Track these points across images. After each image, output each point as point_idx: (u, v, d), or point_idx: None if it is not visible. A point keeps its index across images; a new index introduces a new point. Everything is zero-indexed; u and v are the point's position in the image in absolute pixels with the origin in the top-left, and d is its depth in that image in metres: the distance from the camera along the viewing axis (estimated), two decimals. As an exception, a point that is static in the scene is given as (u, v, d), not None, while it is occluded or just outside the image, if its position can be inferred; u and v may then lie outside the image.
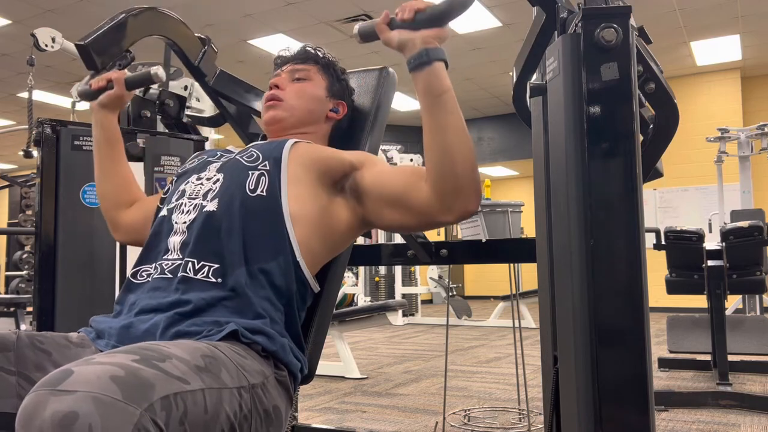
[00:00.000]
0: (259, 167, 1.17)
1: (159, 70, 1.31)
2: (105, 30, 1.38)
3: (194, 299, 1.02)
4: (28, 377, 0.94)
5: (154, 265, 1.10)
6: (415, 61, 1.04)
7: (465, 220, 1.09)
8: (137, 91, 2.16)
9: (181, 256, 1.08)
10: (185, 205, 1.15)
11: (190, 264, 1.06)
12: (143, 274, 1.11)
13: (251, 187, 1.13)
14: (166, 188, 1.28)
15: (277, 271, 1.09)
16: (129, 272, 1.14)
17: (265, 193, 1.13)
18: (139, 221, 1.36)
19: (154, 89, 2.21)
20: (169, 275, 1.07)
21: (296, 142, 1.23)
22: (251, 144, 1.28)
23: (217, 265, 1.06)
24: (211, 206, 1.12)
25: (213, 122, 2.00)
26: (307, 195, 1.15)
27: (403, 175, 1.13)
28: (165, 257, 1.10)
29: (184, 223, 1.12)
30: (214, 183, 1.16)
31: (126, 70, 1.39)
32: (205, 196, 1.14)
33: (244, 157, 1.20)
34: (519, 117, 1.40)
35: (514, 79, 1.34)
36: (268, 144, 1.24)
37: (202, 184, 1.18)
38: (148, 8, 1.47)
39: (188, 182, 1.20)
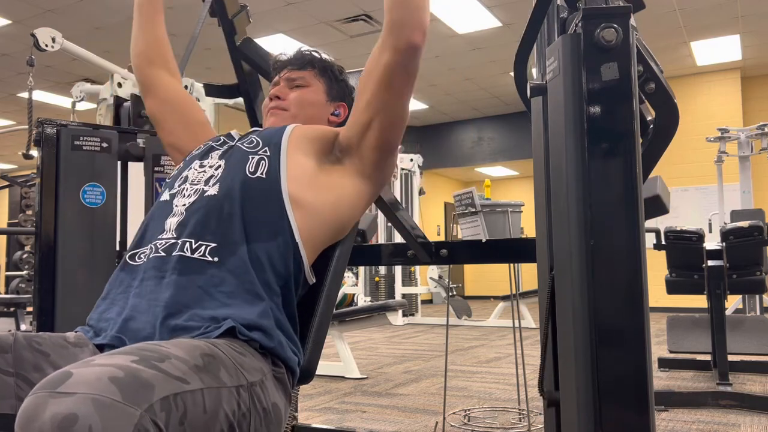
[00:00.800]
0: (259, 152, 1.20)
1: None
2: None
3: (190, 286, 1.02)
4: (26, 378, 0.94)
5: (150, 246, 1.11)
6: None
7: (411, 56, 1.13)
8: (137, 91, 2.16)
9: (175, 236, 1.09)
10: (187, 190, 1.17)
11: (187, 244, 1.07)
12: (141, 255, 1.11)
13: (251, 170, 1.16)
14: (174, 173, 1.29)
15: (275, 252, 1.09)
16: (127, 254, 1.14)
17: (264, 175, 1.15)
18: (175, 97, 1.42)
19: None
20: (163, 253, 1.07)
21: (295, 126, 1.26)
22: (252, 130, 1.31)
23: (214, 245, 1.06)
24: (212, 190, 1.14)
25: (228, 92, 1.99)
26: (306, 176, 1.18)
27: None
28: (159, 237, 1.11)
29: (184, 205, 1.13)
30: (216, 169, 1.19)
31: None
32: (207, 182, 1.16)
33: (244, 144, 1.23)
34: (518, 93, 1.39)
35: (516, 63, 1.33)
36: (268, 130, 1.27)
37: (204, 171, 1.20)
38: None
39: (191, 168, 1.22)
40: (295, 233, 1.12)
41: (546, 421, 1.14)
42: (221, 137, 1.31)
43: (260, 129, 1.32)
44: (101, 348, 1.01)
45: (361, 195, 1.24)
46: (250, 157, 1.18)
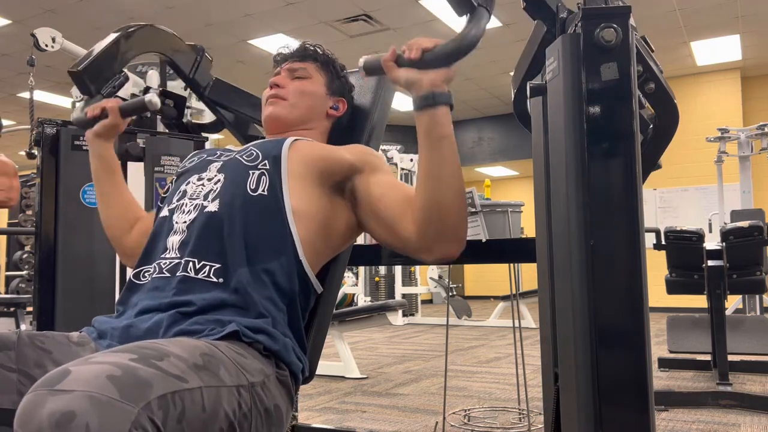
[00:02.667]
0: (259, 166, 1.17)
1: (153, 98, 1.31)
2: (97, 55, 1.38)
3: (195, 300, 1.02)
4: (28, 374, 0.95)
5: (153, 265, 1.10)
6: (421, 102, 1.03)
7: (444, 261, 1.11)
8: (138, 92, 2.17)
9: (179, 255, 1.08)
10: (186, 206, 1.15)
11: (190, 264, 1.06)
12: (145, 274, 1.11)
13: (252, 187, 1.14)
14: (166, 188, 1.28)
15: (279, 270, 1.09)
16: (131, 273, 1.14)
17: (266, 192, 1.13)
18: (143, 241, 1.36)
19: (154, 89, 2.21)
20: (167, 274, 1.07)
21: (295, 140, 1.24)
22: (251, 143, 1.29)
23: (218, 265, 1.06)
24: (213, 207, 1.12)
25: (213, 128, 2.01)
26: (307, 192, 1.16)
27: (396, 199, 1.14)
28: (163, 256, 1.10)
29: (184, 222, 1.12)
30: (215, 183, 1.16)
31: (120, 97, 1.39)
32: (206, 196, 1.14)
33: (243, 157, 1.20)
34: (520, 123, 1.40)
35: (514, 90, 1.34)
36: (268, 142, 1.25)
37: (203, 184, 1.18)
38: (141, 26, 1.47)
39: (189, 182, 1.20)
40: (298, 250, 1.11)
41: (546, 421, 1.14)
42: (217, 151, 1.29)
43: (259, 141, 1.30)
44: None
45: (356, 222, 1.22)
46: (250, 172, 1.16)
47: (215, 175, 1.19)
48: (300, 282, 1.12)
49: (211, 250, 1.07)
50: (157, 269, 1.08)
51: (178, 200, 1.18)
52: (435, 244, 1.07)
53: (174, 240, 1.11)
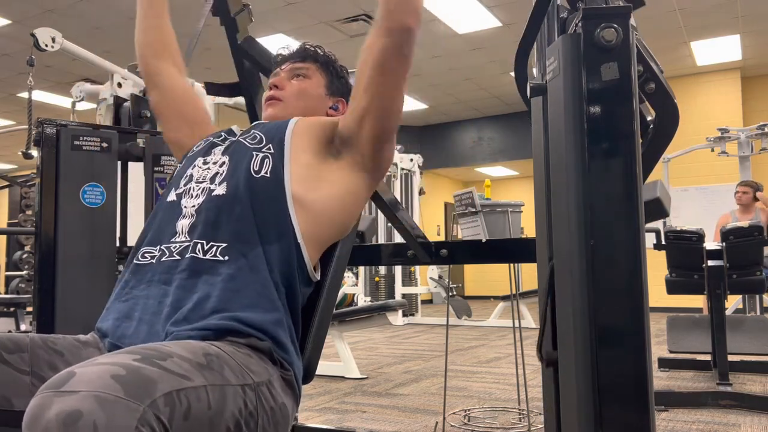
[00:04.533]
0: (263, 150, 1.19)
1: None
2: None
3: (200, 286, 1.02)
4: (41, 377, 0.95)
5: (159, 247, 1.11)
6: None
7: (406, 38, 1.13)
8: (138, 91, 2.16)
9: (188, 238, 1.09)
10: (193, 190, 1.16)
11: (199, 245, 1.07)
12: (146, 255, 1.12)
13: (255, 169, 1.15)
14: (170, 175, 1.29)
15: (279, 253, 1.09)
16: (133, 254, 1.15)
17: (268, 175, 1.15)
18: (179, 91, 1.40)
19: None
20: (177, 257, 1.07)
21: (298, 121, 1.26)
22: (255, 124, 1.30)
23: (224, 245, 1.07)
24: (220, 190, 1.13)
25: (229, 90, 1.98)
26: (309, 174, 1.17)
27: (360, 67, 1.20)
28: (173, 240, 1.10)
29: (193, 206, 1.13)
30: (221, 166, 1.18)
31: None
32: (212, 179, 1.16)
33: (247, 140, 1.22)
34: (516, 85, 1.38)
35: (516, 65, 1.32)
36: (272, 125, 1.26)
37: (209, 168, 1.19)
38: None
39: (195, 166, 1.21)
40: (297, 234, 1.12)
41: (546, 420, 1.14)
42: (222, 133, 1.30)
43: (262, 123, 1.31)
44: (112, 349, 1.02)
45: (361, 188, 1.23)
46: (254, 153, 1.18)
47: (220, 158, 1.20)
48: (298, 266, 1.12)
49: (218, 231, 1.08)
50: (167, 252, 1.09)
51: (185, 184, 1.18)
52: (394, 15, 1.12)
53: (183, 224, 1.11)
